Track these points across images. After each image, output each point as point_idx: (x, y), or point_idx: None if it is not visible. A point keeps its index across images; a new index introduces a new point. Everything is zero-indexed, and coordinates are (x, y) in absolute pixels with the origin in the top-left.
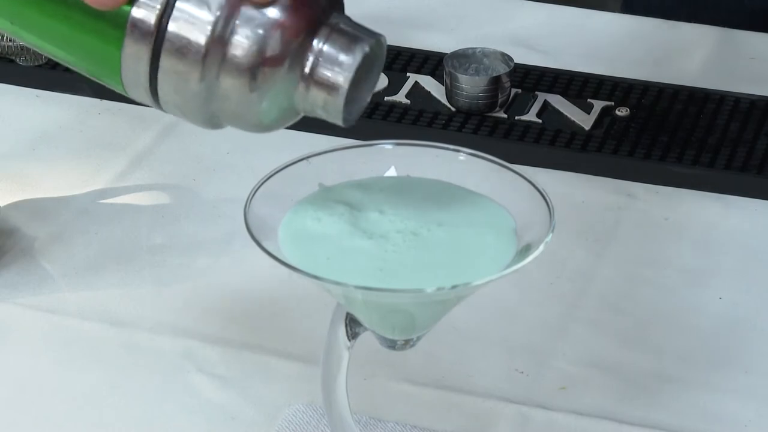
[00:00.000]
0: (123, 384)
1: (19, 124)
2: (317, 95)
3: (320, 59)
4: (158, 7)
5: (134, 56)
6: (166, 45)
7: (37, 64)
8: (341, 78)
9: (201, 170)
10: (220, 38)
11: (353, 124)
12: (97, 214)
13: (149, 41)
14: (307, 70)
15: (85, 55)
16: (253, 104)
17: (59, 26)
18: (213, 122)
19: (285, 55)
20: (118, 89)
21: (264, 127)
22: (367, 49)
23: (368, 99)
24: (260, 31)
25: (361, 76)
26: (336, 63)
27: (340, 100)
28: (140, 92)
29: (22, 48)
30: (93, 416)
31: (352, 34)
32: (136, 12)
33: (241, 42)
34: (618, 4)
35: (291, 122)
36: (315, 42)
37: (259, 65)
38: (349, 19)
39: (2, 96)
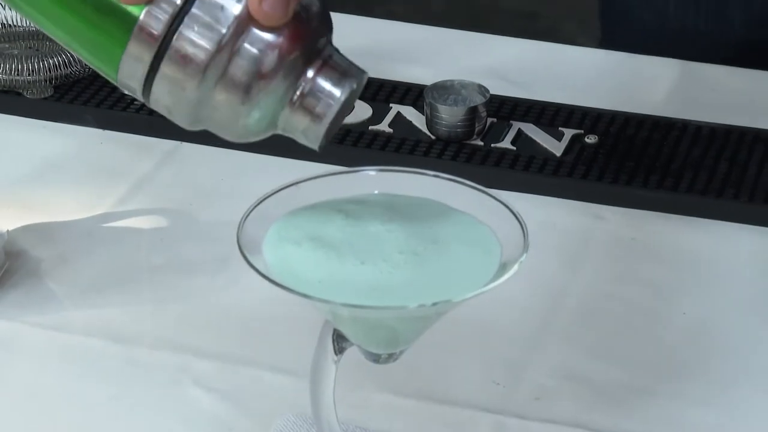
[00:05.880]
0: (124, 397)
1: (26, 152)
2: (301, 120)
3: (311, 88)
4: (169, 13)
5: (136, 56)
6: (170, 52)
7: (43, 97)
8: (328, 109)
9: (198, 195)
10: (224, 54)
11: (324, 148)
12: (100, 236)
13: (154, 46)
14: (297, 95)
15: (86, 44)
16: (240, 118)
17: (66, 13)
18: (194, 125)
19: (281, 78)
20: (108, 78)
21: (240, 137)
22: (354, 86)
23: (339, 125)
24: (263, 53)
25: (343, 107)
26: (325, 94)
27: (322, 129)
28: (131, 86)
29: (29, 82)
30: (96, 428)
31: (344, 69)
32: (147, 15)
33: (244, 61)
34: (588, 39)
35: (264, 137)
36: (309, 70)
37: (255, 84)
38: (339, 52)
39: (11, 126)
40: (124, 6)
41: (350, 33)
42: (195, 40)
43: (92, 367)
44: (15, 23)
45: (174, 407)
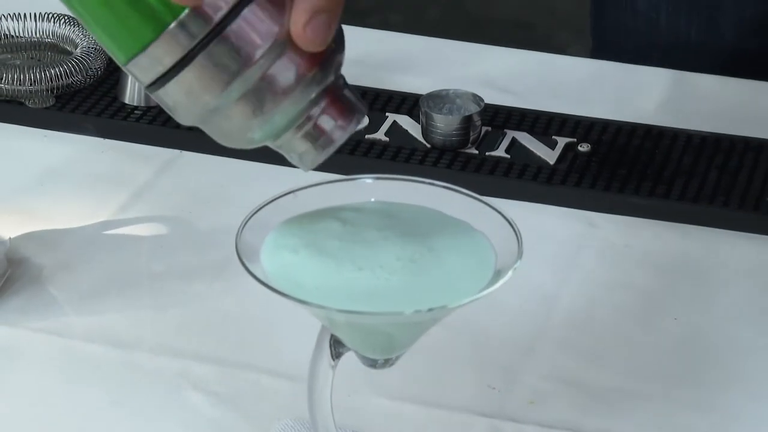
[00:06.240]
0: (124, 401)
1: (28, 161)
2: (303, 144)
3: (322, 118)
4: (205, 28)
5: (156, 57)
6: (198, 60)
7: (45, 106)
8: (332, 142)
9: (196, 203)
10: (253, 72)
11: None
12: (100, 243)
13: (179, 53)
14: (307, 121)
15: (106, 28)
16: (248, 130)
17: None
18: (194, 123)
19: (299, 100)
20: (112, 56)
21: (237, 145)
22: (361, 119)
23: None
24: (292, 76)
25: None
26: (333, 127)
27: (321, 158)
28: (140, 78)
29: (31, 92)
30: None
31: (353, 104)
32: (180, 25)
33: (272, 82)
34: (581, 49)
35: (257, 146)
36: (323, 100)
37: (275, 103)
38: (348, 84)
39: (13, 135)
40: (159, 9)
41: (346, 43)
42: (226, 57)
43: (93, 372)
44: (17, 34)
45: (173, 412)
